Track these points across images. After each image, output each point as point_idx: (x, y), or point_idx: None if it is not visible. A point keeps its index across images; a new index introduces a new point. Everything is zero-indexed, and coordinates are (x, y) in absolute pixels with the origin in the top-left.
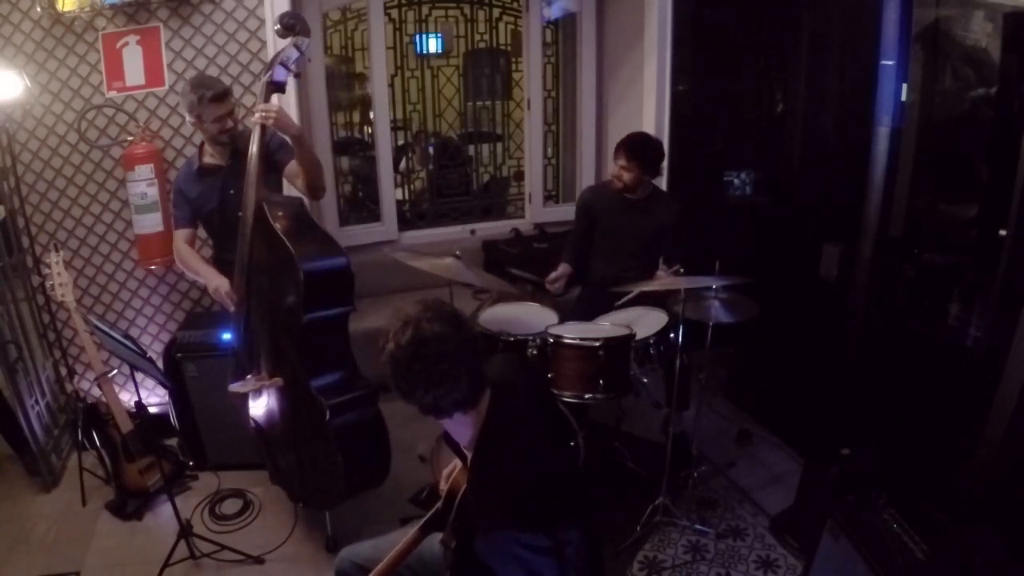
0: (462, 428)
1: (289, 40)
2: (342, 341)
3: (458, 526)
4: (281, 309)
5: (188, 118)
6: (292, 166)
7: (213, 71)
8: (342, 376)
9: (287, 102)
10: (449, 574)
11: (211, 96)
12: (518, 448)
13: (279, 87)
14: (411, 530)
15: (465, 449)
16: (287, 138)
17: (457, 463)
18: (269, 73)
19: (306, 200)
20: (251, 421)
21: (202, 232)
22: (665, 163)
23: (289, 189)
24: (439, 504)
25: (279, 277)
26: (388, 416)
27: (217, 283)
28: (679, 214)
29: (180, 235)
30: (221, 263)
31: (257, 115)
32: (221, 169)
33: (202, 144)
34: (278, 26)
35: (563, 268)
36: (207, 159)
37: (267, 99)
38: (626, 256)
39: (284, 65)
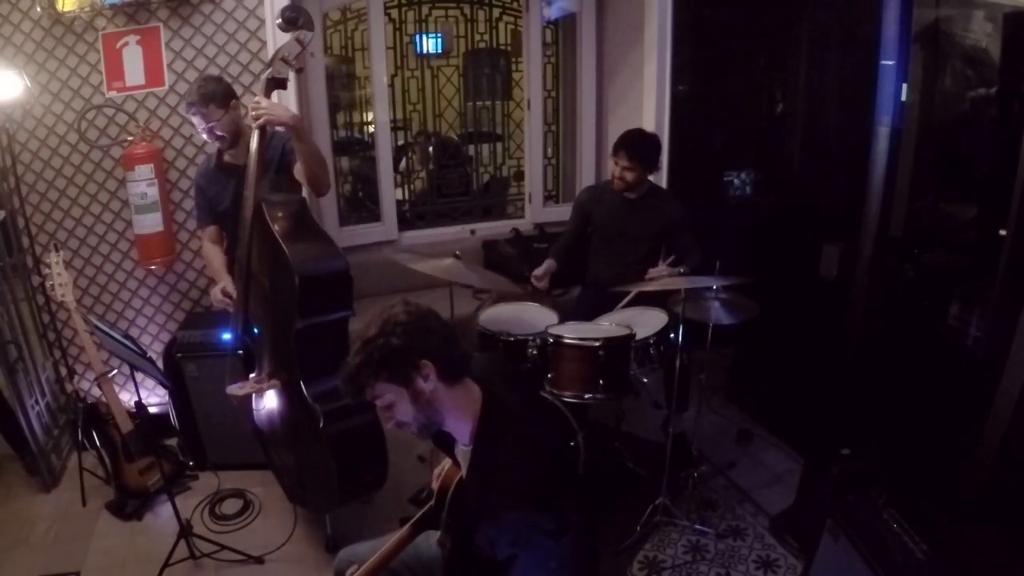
0: (460, 425)
1: (291, 35)
2: (341, 346)
3: (451, 523)
4: (279, 312)
5: None
6: (299, 165)
7: (213, 71)
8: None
9: (288, 101)
10: (443, 572)
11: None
12: (520, 432)
13: (280, 83)
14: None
15: (466, 445)
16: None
17: (448, 462)
18: (270, 70)
19: (308, 199)
20: (249, 421)
21: None
22: (664, 159)
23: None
24: (431, 502)
25: (276, 280)
26: None
27: (221, 285)
28: (681, 212)
29: (205, 234)
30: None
31: (250, 114)
32: (237, 168)
33: None
34: (279, 20)
35: (548, 263)
36: (226, 156)
37: (268, 95)
38: (626, 256)
39: (285, 61)
